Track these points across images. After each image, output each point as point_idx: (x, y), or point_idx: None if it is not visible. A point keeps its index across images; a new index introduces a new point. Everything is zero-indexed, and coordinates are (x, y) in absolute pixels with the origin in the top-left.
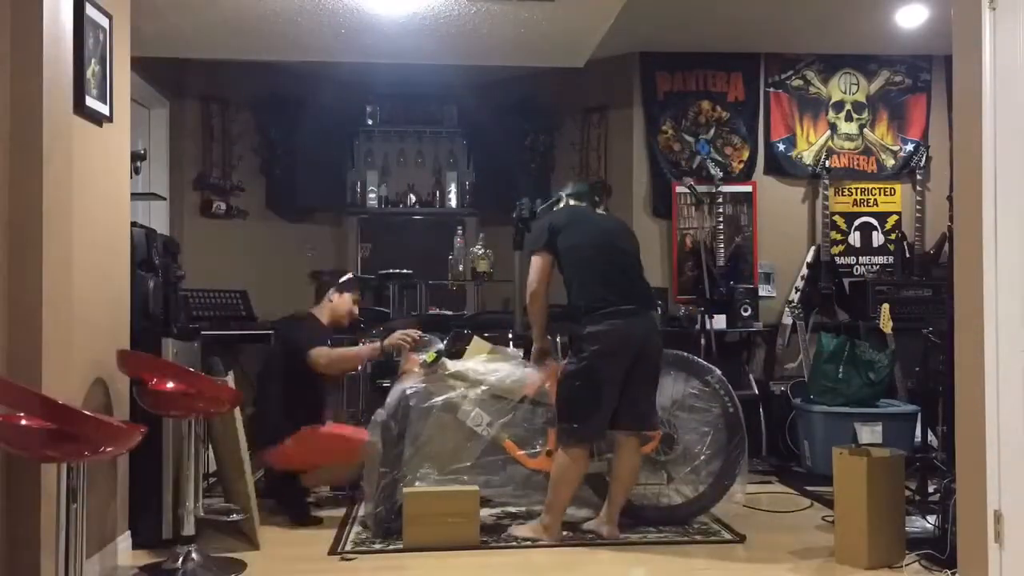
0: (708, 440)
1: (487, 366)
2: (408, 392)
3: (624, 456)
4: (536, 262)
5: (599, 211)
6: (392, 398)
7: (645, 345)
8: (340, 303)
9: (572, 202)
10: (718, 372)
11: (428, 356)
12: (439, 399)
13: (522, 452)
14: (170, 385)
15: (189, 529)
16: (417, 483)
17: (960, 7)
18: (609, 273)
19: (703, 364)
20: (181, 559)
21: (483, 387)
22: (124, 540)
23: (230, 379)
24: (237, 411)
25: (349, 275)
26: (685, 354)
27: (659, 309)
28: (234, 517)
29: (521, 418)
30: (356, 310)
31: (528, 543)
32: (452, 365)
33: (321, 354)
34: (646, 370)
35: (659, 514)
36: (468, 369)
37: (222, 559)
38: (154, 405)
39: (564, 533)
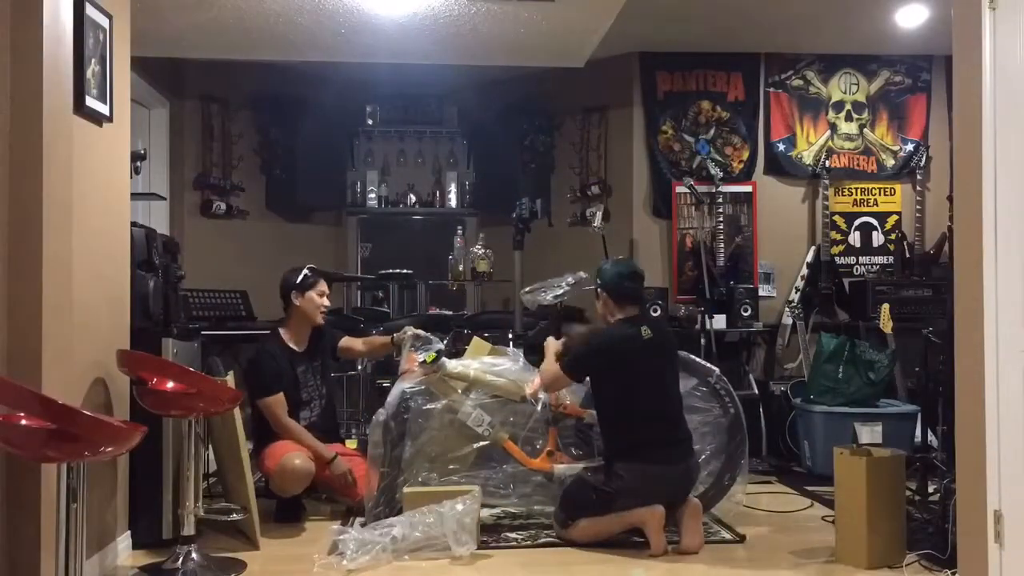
0: (709, 440)
1: (487, 366)
2: (408, 393)
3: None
4: (556, 375)
5: (646, 326)
6: (392, 398)
7: (686, 491)
8: (304, 304)
9: (613, 303)
10: (718, 372)
11: (428, 356)
12: (439, 400)
13: (522, 452)
14: (170, 385)
15: (189, 529)
16: (418, 484)
17: (960, 7)
18: (649, 416)
19: (704, 364)
20: (181, 559)
21: (483, 387)
22: (124, 540)
23: (230, 379)
24: (237, 411)
25: (305, 271)
26: (686, 354)
27: (693, 445)
28: (234, 517)
29: (521, 418)
30: (325, 302)
31: (528, 543)
32: (452, 365)
33: (268, 407)
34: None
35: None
36: (468, 369)
37: (222, 559)
38: (154, 405)
39: None
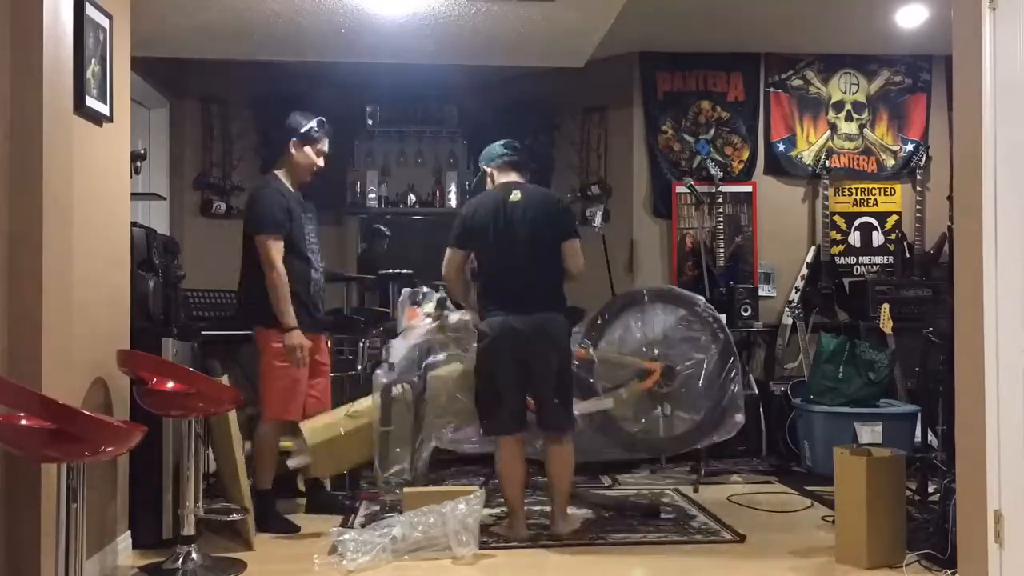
0: (702, 367)
1: None
2: (417, 350)
3: (550, 458)
4: (447, 255)
5: (518, 191)
6: (396, 358)
7: (535, 344)
8: (300, 157)
9: (496, 174)
10: (704, 300)
11: (430, 305)
12: (446, 352)
13: None
14: (170, 385)
15: (189, 529)
16: (444, 437)
17: (960, 7)
18: (505, 271)
19: (689, 295)
20: (181, 559)
21: None
22: (124, 540)
23: (225, 381)
24: (233, 412)
25: (313, 123)
26: (670, 287)
27: (564, 312)
28: (234, 517)
29: None
30: (320, 162)
31: (528, 543)
32: (454, 317)
33: (267, 247)
34: (545, 372)
35: (660, 444)
36: (470, 319)
37: (222, 559)
38: (154, 405)
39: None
